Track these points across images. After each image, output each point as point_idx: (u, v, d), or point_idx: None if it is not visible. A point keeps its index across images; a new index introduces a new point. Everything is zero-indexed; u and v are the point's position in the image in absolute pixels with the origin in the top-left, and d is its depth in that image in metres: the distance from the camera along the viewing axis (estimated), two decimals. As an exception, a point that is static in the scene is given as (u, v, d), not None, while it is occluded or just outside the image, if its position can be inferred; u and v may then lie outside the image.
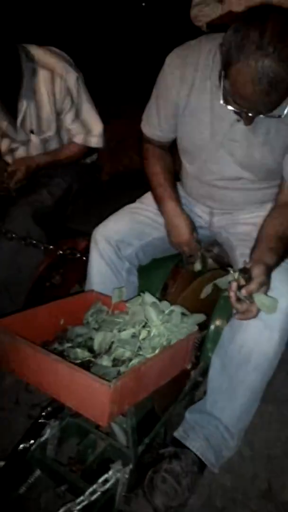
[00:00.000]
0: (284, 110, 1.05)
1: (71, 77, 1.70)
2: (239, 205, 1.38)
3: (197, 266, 1.46)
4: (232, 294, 1.06)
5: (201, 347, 1.38)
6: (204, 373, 1.40)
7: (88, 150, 1.90)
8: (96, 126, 1.83)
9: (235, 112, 1.09)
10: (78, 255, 1.66)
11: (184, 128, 1.28)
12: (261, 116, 1.05)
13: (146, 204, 1.47)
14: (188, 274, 1.46)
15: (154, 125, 1.36)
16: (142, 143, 1.44)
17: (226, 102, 1.07)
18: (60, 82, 1.69)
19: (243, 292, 1.05)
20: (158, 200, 1.38)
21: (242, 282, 1.06)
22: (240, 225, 1.39)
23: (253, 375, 1.17)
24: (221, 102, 1.08)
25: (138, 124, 1.43)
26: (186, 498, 1.14)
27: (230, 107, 1.07)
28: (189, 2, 2.04)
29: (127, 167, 2.71)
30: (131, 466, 1.11)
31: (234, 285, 1.06)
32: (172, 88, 1.23)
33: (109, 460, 1.14)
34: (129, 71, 5.17)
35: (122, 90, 4.57)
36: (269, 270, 1.08)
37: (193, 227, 1.36)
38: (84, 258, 1.84)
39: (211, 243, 1.53)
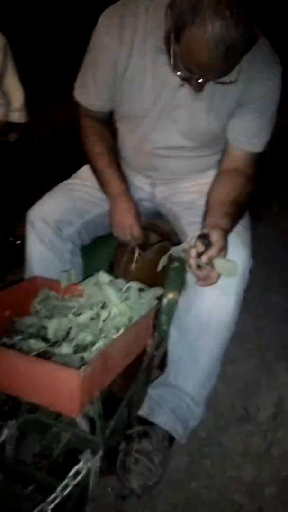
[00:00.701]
0: (235, 75, 1.01)
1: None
2: (181, 174, 1.35)
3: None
4: (192, 261, 1.04)
5: (155, 321, 1.36)
6: (158, 346, 1.39)
7: (9, 127, 1.75)
8: (18, 97, 1.68)
9: (183, 78, 1.03)
10: (12, 239, 1.54)
11: (124, 94, 1.19)
12: (212, 82, 1.01)
13: (83, 179, 1.38)
14: (134, 250, 1.41)
15: (92, 92, 1.25)
16: (78, 118, 1.32)
17: (176, 67, 1.01)
18: None
19: (204, 258, 1.03)
20: (104, 183, 1.30)
21: (201, 248, 1.04)
22: (184, 194, 1.37)
23: (213, 341, 1.17)
24: (170, 67, 1.02)
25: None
26: (161, 474, 1.13)
27: (179, 73, 1.01)
28: None
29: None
30: (101, 453, 1.06)
31: (193, 252, 1.04)
32: (109, 49, 1.14)
33: (76, 451, 1.09)
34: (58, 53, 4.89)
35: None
36: (225, 235, 1.08)
37: (138, 213, 1.30)
38: (18, 242, 1.72)
39: (153, 215, 1.50)
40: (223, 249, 1.06)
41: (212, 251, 1.03)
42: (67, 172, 1.47)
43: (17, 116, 1.70)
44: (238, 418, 1.51)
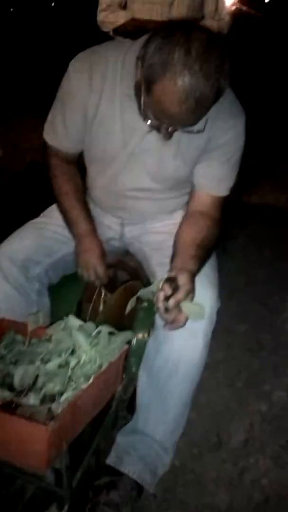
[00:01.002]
0: (202, 125, 1.05)
1: None
2: (149, 215, 1.37)
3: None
4: (160, 304, 1.04)
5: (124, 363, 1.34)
6: (127, 389, 1.37)
7: None
8: None
9: (152, 126, 1.06)
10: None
11: (93, 137, 1.21)
12: (181, 130, 1.05)
13: (51, 217, 1.37)
14: (104, 289, 1.40)
15: (61, 134, 1.26)
16: (46, 158, 1.32)
17: (145, 116, 1.04)
18: None
19: (172, 302, 1.03)
20: (70, 223, 1.30)
21: (168, 291, 1.05)
22: (152, 234, 1.39)
23: (182, 384, 1.17)
24: (140, 116, 1.06)
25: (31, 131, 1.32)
26: (129, 526, 1.09)
27: (149, 122, 1.04)
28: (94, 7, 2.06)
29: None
30: (67, 507, 1.02)
31: (161, 295, 1.04)
32: (79, 95, 1.16)
33: (42, 505, 1.04)
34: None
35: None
36: (193, 277, 1.09)
37: (104, 253, 1.31)
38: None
39: (122, 253, 1.50)
40: (191, 292, 1.07)
41: (180, 295, 1.04)
42: (36, 208, 1.46)
43: None
44: (210, 445, 1.54)
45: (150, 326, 1.31)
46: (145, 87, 0.99)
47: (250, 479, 1.43)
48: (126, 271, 1.56)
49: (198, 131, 1.06)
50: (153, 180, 1.26)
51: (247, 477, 1.44)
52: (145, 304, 1.37)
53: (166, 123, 1.02)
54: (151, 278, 1.33)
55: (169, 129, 1.04)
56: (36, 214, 1.43)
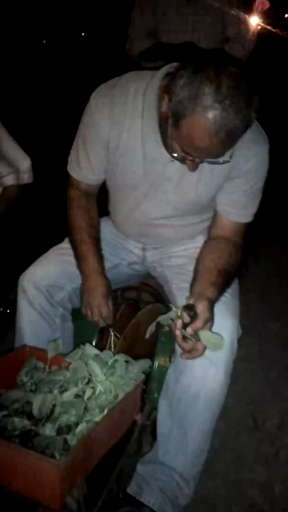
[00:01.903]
0: (228, 156, 1.05)
1: None
2: (171, 240, 1.37)
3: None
4: (178, 332, 1.03)
5: (145, 389, 1.33)
6: (150, 415, 1.36)
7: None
8: (24, 161, 1.74)
9: (177, 159, 1.06)
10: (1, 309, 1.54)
11: (116, 168, 1.23)
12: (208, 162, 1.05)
13: None
14: (125, 313, 1.40)
15: (85, 168, 1.27)
16: (68, 189, 1.34)
17: (172, 149, 1.05)
18: None
19: (189, 330, 1.02)
20: (79, 258, 1.29)
21: (187, 319, 1.04)
22: (173, 258, 1.38)
23: (203, 415, 1.15)
24: (166, 150, 1.07)
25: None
26: None
27: (175, 155, 1.05)
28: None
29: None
30: (86, 537, 1.02)
31: (179, 323, 1.03)
32: (101, 127, 1.18)
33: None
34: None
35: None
36: (212, 305, 1.07)
37: (109, 292, 1.27)
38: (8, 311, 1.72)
39: (145, 277, 1.50)
40: (209, 320, 1.05)
41: (198, 323, 1.02)
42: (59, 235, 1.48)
43: (26, 177, 1.76)
44: (247, 428, 1.70)
45: (171, 352, 1.30)
46: (173, 121, 0.99)
47: (285, 457, 1.59)
48: (150, 293, 1.56)
49: (224, 162, 1.05)
50: (175, 208, 1.26)
51: (283, 455, 1.60)
52: (166, 329, 1.36)
53: (193, 156, 1.02)
54: (172, 301, 1.32)
55: (196, 161, 1.04)
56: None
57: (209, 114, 0.91)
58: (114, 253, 1.41)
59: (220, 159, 1.04)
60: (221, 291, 1.14)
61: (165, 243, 1.38)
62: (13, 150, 1.71)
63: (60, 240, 1.44)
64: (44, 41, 6.97)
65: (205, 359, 1.11)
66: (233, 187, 1.19)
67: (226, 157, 1.04)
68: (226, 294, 1.18)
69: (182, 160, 1.06)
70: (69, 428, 0.96)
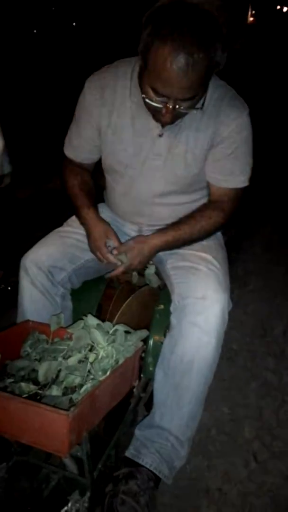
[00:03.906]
0: (200, 103, 1.12)
1: None
2: (167, 220, 1.43)
3: (134, 279, 1.49)
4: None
5: (141, 363, 1.41)
6: (145, 387, 1.44)
7: None
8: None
9: (153, 109, 1.12)
10: (3, 286, 1.61)
11: (108, 147, 1.32)
12: (180, 109, 1.10)
13: (74, 227, 1.47)
14: (122, 293, 1.48)
15: (77, 147, 1.39)
16: (63, 168, 1.44)
17: (146, 95, 1.10)
18: None
19: (115, 251, 1.29)
20: (76, 211, 1.39)
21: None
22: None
23: (196, 381, 1.23)
24: (149, 123, 1.15)
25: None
26: (147, 514, 1.15)
27: (148, 101, 1.10)
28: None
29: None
30: (88, 494, 1.09)
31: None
32: (93, 109, 1.28)
33: (65, 493, 1.11)
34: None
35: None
36: (147, 243, 1.31)
37: (104, 234, 1.34)
38: (9, 288, 1.79)
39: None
40: (132, 249, 1.31)
41: (122, 248, 1.29)
42: (59, 219, 1.56)
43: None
44: (259, 335, 2.12)
45: (165, 328, 1.38)
46: (142, 63, 1.08)
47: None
48: (144, 276, 1.64)
49: (197, 108, 1.12)
50: (168, 183, 1.34)
51: (287, 352, 2.01)
52: (161, 306, 1.45)
53: (164, 94, 1.07)
54: (166, 281, 1.40)
55: (168, 105, 1.08)
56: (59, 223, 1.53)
57: (166, 42, 0.99)
58: None
59: (192, 105, 1.09)
60: (170, 237, 1.32)
61: (160, 223, 1.45)
62: None
63: (60, 225, 1.52)
64: (34, 31, 7.00)
65: (199, 330, 1.20)
66: (218, 154, 1.27)
67: (198, 104, 1.12)
68: (216, 269, 1.27)
69: (158, 112, 1.11)
70: (74, 390, 1.04)
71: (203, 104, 1.14)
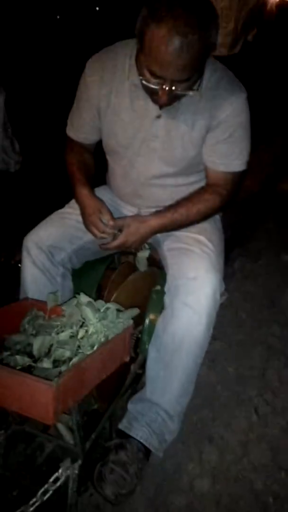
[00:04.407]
0: (196, 85, 1.14)
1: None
2: (165, 202, 1.44)
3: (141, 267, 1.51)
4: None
5: (139, 341, 1.45)
6: (143, 365, 1.48)
7: None
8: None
9: (150, 90, 1.13)
10: (13, 263, 1.67)
11: (108, 128, 1.35)
12: (177, 91, 1.11)
13: (74, 208, 1.50)
14: (121, 274, 1.52)
15: (78, 127, 1.42)
16: (65, 147, 1.48)
17: (143, 77, 1.12)
18: None
19: (111, 223, 1.31)
20: (73, 189, 1.41)
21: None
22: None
23: (186, 359, 1.27)
24: (147, 103, 1.16)
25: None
26: (135, 484, 1.20)
27: (145, 83, 1.12)
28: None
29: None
30: (79, 462, 1.15)
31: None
32: (92, 90, 1.31)
33: (58, 460, 1.18)
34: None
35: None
36: (144, 223, 1.32)
37: (97, 209, 1.34)
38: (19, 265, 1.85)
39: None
40: (128, 226, 1.32)
41: (117, 222, 1.32)
42: (61, 201, 1.60)
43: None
44: (266, 305, 2.21)
45: (161, 309, 1.41)
46: (139, 45, 1.09)
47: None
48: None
49: (193, 90, 1.13)
50: (165, 164, 1.35)
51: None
52: (158, 287, 1.48)
53: (160, 75, 1.08)
54: (163, 262, 1.43)
55: (164, 86, 1.10)
56: (61, 205, 1.57)
57: (161, 24, 1.00)
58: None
59: (188, 86, 1.11)
60: (167, 220, 1.33)
61: (159, 205, 1.47)
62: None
63: (61, 207, 1.56)
64: (58, 17, 6.96)
65: (189, 308, 1.23)
66: (214, 137, 1.28)
67: (195, 86, 1.13)
68: (209, 251, 1.29)
69: (152, 92, 1.13)
70: (64, 362, 1.09)
71: (199, 86, 1.15)
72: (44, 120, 3.60)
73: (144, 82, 1.13)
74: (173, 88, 1.10)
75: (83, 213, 1.37)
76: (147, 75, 1.11)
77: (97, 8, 7.39)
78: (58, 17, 7.02)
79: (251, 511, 1.33)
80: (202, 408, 1.63)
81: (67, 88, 1.49)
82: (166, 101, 1.15)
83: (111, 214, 1.33)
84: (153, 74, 1.09)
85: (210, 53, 1.10)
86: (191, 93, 1.14)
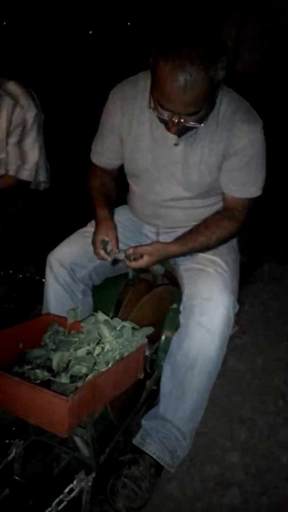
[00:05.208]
0: (203, 118, 1.18)
1: (31, 113, 1.87)
2: (183, 223, 1.49)
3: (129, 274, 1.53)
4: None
5: (154, 358, 1.49)
6: (158, 381, 1.51)
7: (20, 184, 2.00)
8: (32, 159, 1.95)
9: (162, 121, 1.20)
10: (38, 278, 1.75)
11: (129, 154, 1.41)
12: (186, 123, 1.16)
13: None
14: (139, 291, 1.57)
15: (101, 153, 1.50)
16: (90, 168, 1.56)
17: (154, 109, 1.19)
18: (20, 111, 1.85)
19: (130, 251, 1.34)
20: (94, 211, 1.47)
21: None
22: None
23: (199, 378, 1.30)
24: (166, 132, 1.21)
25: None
26: (147, 498, 1.23)
27: (156, 113, 1.18)
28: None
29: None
30: (93, 474, 1.19)
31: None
32: (114, 118, 1.38)
33: (74, 472, 1.22)
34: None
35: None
36: (164, 249, 1.35)
37: (107, 234, 1.37)
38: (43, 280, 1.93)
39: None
40: (150, 255, 1.34)
41: (137, 250, 1.34)
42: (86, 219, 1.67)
43: (26, 174, 1.97)
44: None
45: (177, 326, 1.45)
46: (151, 81, 1.15)
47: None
48: (163, 276, 1.71)
49: (203, 122, 1.18)
50: (184, 189, 1.40)
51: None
52: (175, 305, 1.51)
53: (168, 110, 1.14)
54: (180, 282, 1.47)
55: (173, 119, 1.15)
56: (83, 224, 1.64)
57: (168, 62, 1.06)
58: (131, 237, 1.58)
59: (197, 119, 1.16)
60: (187, 248, 1.36)
61: (177, 226, 1.52)
62: (32, 146, 1.93)
63: (84, 225, 1.63)
64: (90, 32, 7.16)
65: (203, 328, 1.26)
66: (231, 165, 1.32)
67: (205, 118, 1.18)
68: (224, 272, 1.32)
69: (166, 123, 1.19)
70: (81, 378, 1.14)
71: (205, 119, 1.19)
72: (72, 139, 3.73)
73: (155, 113, 1.19)
74: (182, 120, 1.16)
75: (93, 233, 1.42)
76: (158, 108, 1.17)
77: (129, 23, 7.57)
78: (90, 32, 7.20)
79: (276, 482, 1.48)
80: (232, 393, 1.81)
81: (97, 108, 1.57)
82: (176, 132, 1.21)
83: (116, 238, 1.38)
84: (162, 107, 1.16)
85: (218, 88, 1.16)
86: (199, 125, 1.19)
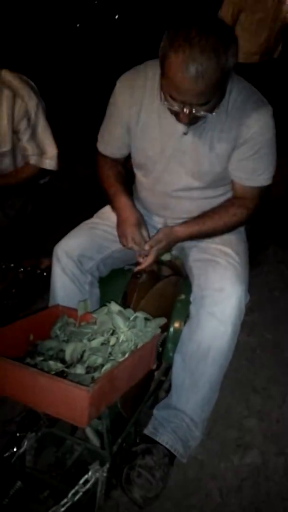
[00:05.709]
0: (213, 108, 1.18)
1: (32, 102, 1.82)
2: (192, 213, 1.48)
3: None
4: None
5: (163, 349, 1.49)
6: (166, 372, 1.52)
7: (42, 172, 1.97)
8: (51, 148, 1.91)
9: (171, 111, 1.19)
10: (39, 271, 1.73)
11: (137, 144, 1.40)
12: (197, 113, 1.16)
13: (103, 218, 1.56)
14: (146, 282, 1.56)
15: (108, 142, 1.48)
16: (96, 160, 1.54)
17: (165, 100, 1.18)
18: (21, 103, 1.79)
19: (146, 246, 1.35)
20: (111, 199, 1.47)
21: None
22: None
23: (211, 368, 1.30)
24: (160, 101, 1.20)
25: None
26: (161, 488, 1.24)
27: (167, 103, 1.17)
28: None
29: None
30: (108, 465, 1.19)
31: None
32: (122, 108, 1.36)
33: (86, 463, 1.22)
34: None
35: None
36: (174, 234, 1.38)
37: (140, 222, 1.41)
38: (45, 274, 1.91)
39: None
40: (160, 241, 1.37)
41: (150, 242, 1.35)
42: (90, 211, 1.66)
43: (48, 163, 1.93)
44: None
45: (185, 317, 1.45)
46: (161, 71, 1.14)
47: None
48: (169, 267, 1.71)
49: (214, 112, 1.18)
50: (193, 178, 1.40)
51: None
52: (183, 296, 1.52)
53: (179, 100, 1.14)
54: (188, 272, 1.47)
55: (185, 110, 1.15)
56: (89, 215, 1.63)
57: (179, 52, 1.05)
58: None
59: (207, 109, 1.15)
60: (195, 230, 1.39)
61: (185, 217, 1.51)
62: (45, 135, 1.89)
63: (90, 217, 1.62)
64: (77, 25, 7.07)
65: (215, 319, 1.27)
66: (241, 154, 1.32)
67: (216, 107, 1.18)
68: (235, 263, 1.33)
69: (176, 113, 1.18)
70: (96, 369, 1.13)
71: (216, 108, 1.19)
72: (74, 130, 3.69)
73: (166, 104, 1.19)
74: (193, 111, 1.16)
75: (122, 221, 1.41)
76: (169, 99, 1.17)
77: (116, 17, 7.50)
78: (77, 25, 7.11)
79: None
80: (244, 367, 1.91)
81: (86, 99, 1.55)
82: (187, 122, 1.20)
83: (148, 231, 1.41)
84: (173, 98, 1.15)
85: (228, 77, 1.15)
86: (210, 115, 1.19)
